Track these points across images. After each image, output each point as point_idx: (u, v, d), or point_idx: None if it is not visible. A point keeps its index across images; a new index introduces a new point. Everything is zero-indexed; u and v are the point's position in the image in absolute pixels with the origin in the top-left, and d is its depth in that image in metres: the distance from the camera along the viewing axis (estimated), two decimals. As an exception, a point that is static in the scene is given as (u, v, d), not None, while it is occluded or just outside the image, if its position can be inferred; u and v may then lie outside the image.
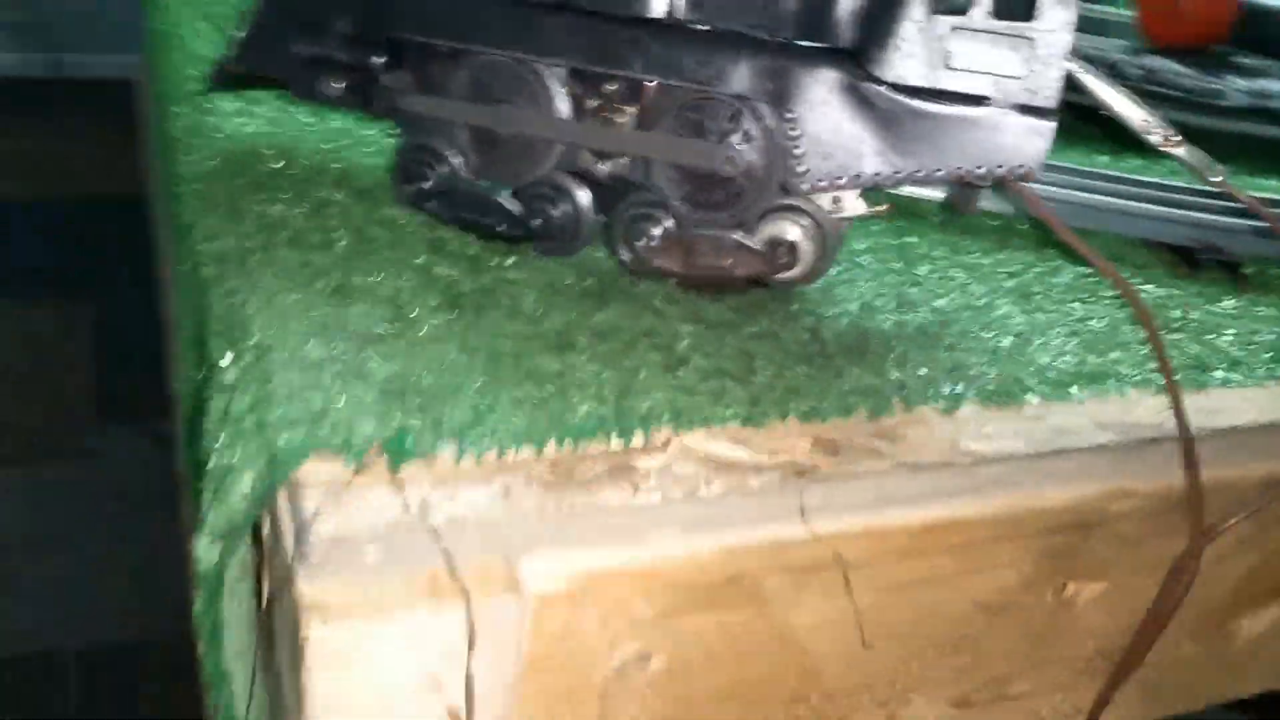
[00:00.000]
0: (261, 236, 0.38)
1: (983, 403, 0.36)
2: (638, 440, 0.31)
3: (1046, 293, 0.44)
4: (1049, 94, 0.32)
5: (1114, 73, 0.65)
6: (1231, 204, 0.49)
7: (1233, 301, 0.46)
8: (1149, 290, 0.46)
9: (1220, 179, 0.38)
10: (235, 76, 0.42)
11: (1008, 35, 0.32)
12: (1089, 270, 0.47)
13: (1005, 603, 0.36)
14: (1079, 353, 0.40)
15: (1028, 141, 0.33)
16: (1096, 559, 0.37)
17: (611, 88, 0.36)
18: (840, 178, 0.34)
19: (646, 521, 0.29)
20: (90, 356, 2.08)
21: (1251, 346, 0.43)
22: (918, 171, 0.33)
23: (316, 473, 0.27)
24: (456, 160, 0.39)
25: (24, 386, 1.98)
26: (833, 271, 0.42)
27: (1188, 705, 0.42)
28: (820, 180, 0.34)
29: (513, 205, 0.38)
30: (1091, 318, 0.43)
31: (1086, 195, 0.47)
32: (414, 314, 0.35)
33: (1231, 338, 0.43)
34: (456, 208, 0.39)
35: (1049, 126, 0.32)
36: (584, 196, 0.38)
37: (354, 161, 0.45)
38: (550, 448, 0.30)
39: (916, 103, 0.33)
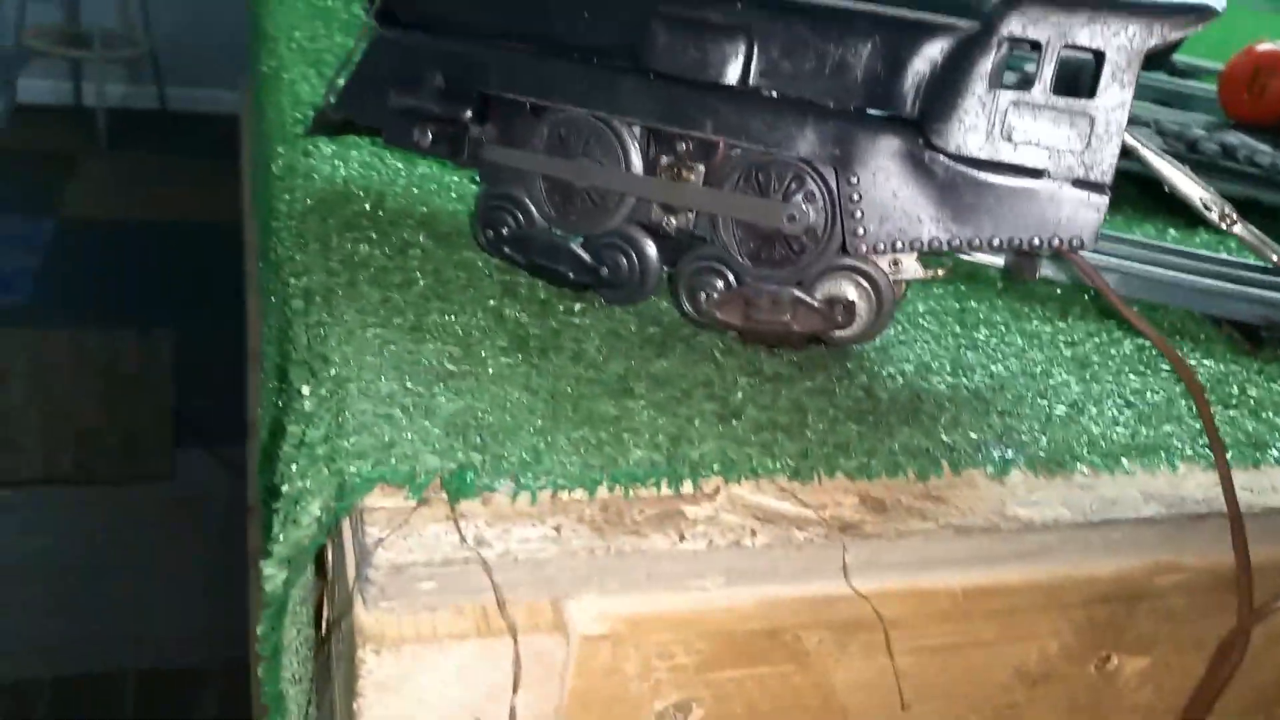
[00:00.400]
0: (347, 274, 0.40)
1: (1032, 469, 0.36)
2: (687, 487, 0.32)
3: (1104, 363, 0.45)
4: (1104, 170, 0.33)
5: (1192, 149, 0.65)
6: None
7: (1298, 381, 0.46)
8: (1208, 366, 0.46)
9: (1278, 258, 0.38)
10: (334, 123, 0.45)
11: (1067, 111, 0.33)
12: (1149, 343, 0.47)
13: (1047, 672, 0.36)
14: (1132, 424, 0.40)
15: (1082, 214, 0.33)
16: (1141, 633, 0.37)
17: (683, 146, 0.38)
18: (897, 241, 0.35)
19: (690, 569, 0.30)
20: (171, 381, 2.15)
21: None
22: (974, 239, 0.34)
23: (381, 504, 0.29)
24: (533, 209, 0.41)
25: (106, 407, 2.05)
26: (891, 331, 0.43)
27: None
28: (879, 243, 0.35)
29: (584, 254, 0.40)
30: (1147, 390, 0.43)
31: (1152, 269, 0.47)
32: (483, 353, 0.36)
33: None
34: (531, 254, 0.41)
35: (1103, 201, 0.33)
36: (651, 248, 0.40)
37: (438, 206, 0.47)
38: (602, 490, 0.31)
39: (975, 172, 0.34)
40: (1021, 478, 0.36)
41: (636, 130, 0.38)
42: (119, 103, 3.16)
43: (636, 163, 0.39)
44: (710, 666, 0.32)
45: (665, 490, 0.32)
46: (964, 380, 0.41)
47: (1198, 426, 0.41)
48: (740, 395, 0.37)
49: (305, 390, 0.34)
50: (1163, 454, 0.39)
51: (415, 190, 0.48)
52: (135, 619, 1.62)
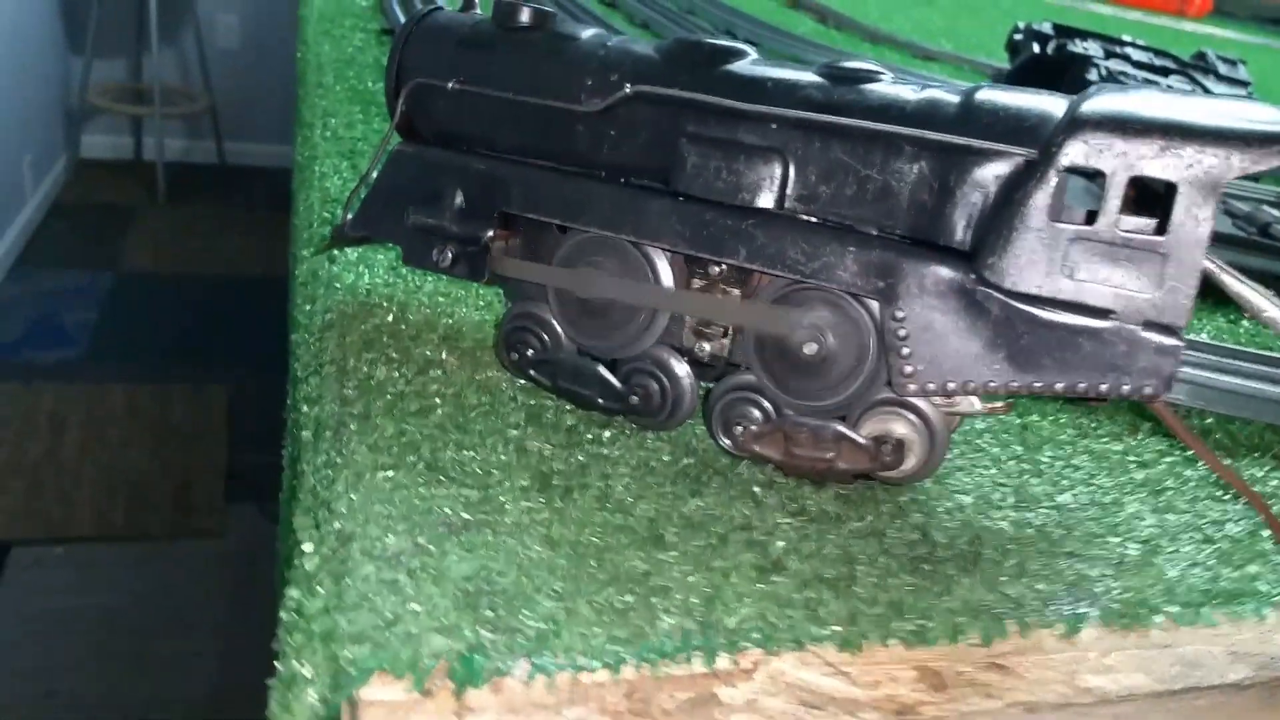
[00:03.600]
0: (362, 403, 0.38)
1: (1105, 624, 0.33)
2: (723, 662, 0.29)
3: (1179, 488, 0.41)
4: (1179, 312, 0.30)
5: (1265, 233, 0.61)
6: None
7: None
8: (1271, 483, 0.42)
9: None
10: (350, 239, 0.43)
11: (1136, 249, 0.30)
12: (1228, 461, 0.43)
13: None
14: (1212, 565, 0.36)
15: (1155, 360, 0.30)
16: (1233, 809, 0.33)
17: (717, 270, 0.36)
18: (949, 384, 0.32)
19: (725, 765, 0.27)
20: (224, 435, 2.16)
21: None
22: (1034, 383, 0.31)
23: (380, 695, 0.26)
24: (559, 330, 0.38)
25: (160, 462, 2.06)
26: (949, 453, 0.40)
27: None
28: (928, 384, 0.32)
29: (612, 379, 0.38)
30: (1227, 520, 0.39)
31: (1233, 379, 0.44)
32: (501, 497, 0.34)
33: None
34: (557, 377, 0.38)
35: (1179, 345, 0.30)
36: (684, 373, 0.37)
37: (462, 317, 0.45)
38: (628, 669, 0.28)
39: (1034, 311, 0.31)
40: (1093, 635, 0.33)
41: (667, 253, 0.36)
42: (178, 157, 3.22)
43: (667, 282, 0.36)
44: None
45: (698, 666, 0.29)
46: (1029, 515, 0.38)
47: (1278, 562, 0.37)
48: (782, 543, 0.34)
49: (308, 547, 0.31)
50: (1249, 601, 0.35)
51: (441, 299, 0.46)
52: (189, 674, 1.61)
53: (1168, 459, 0.43)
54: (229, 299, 2.65)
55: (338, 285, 0.46)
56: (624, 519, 0.34)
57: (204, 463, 2.10)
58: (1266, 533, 0.39)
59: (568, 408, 0.39)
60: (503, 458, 0.36)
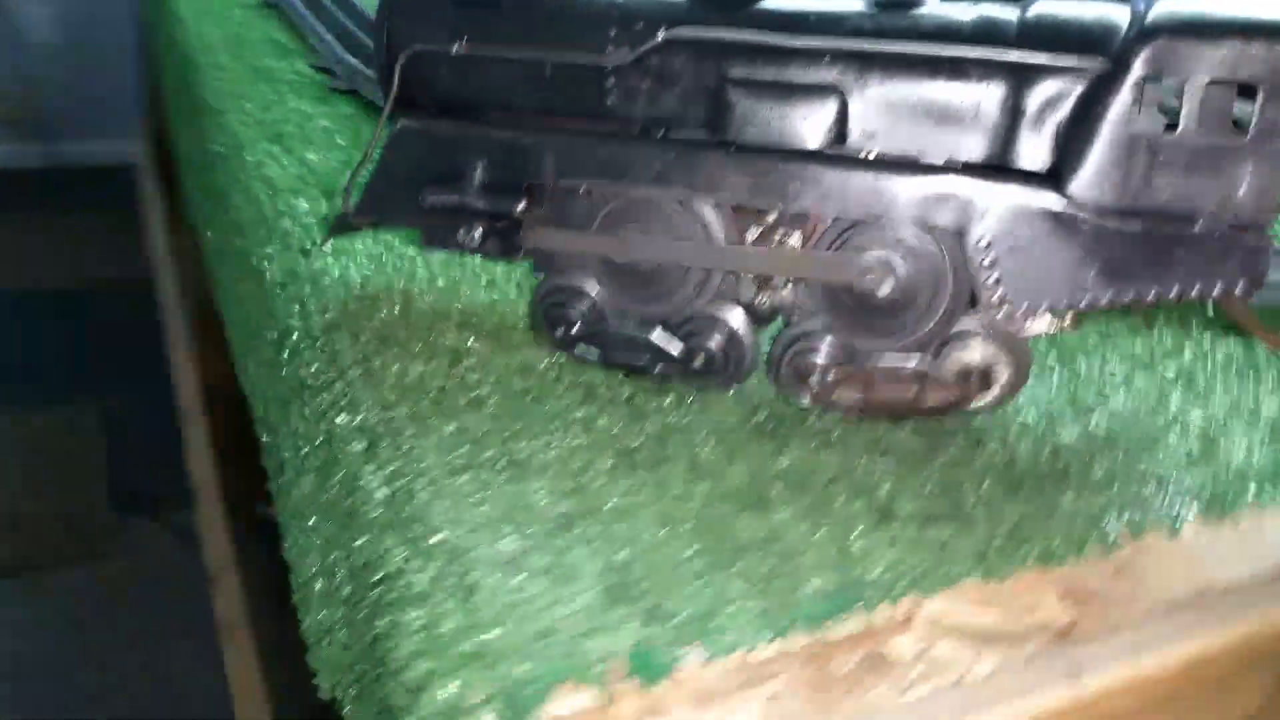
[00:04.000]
0: (406, 405, 0.35)
1: (1201, 518, 0.33)
2: (879, 616, 0.28)
3: (1211, 375, 0.42)
4: (1266, 208, 0.30)
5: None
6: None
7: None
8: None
9: None
10: (356, 227, 0.39)
11: (1218, 151, 0.30)
12: (1241, 341, 0.45)
13: (1249, 728, 0.34)
14: (1268, 444, 0.37)
15: (1246, 260, 0.30)
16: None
17: (772, 218, 0.34)
18: (1043, 304, 0.32)
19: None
20: (103, 452, 2.03)
21: None
22: (1128, 295, 0.31)
23: (562, 709, 0.25)
24: (601, 300, 0.36)
25: (40, 489, 1.93)
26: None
27: None
28: (1023, 306, 0.32)
29: (668, 344, 0.36)
30: (1262, 400, 0.40)
31: None
32: (595, 483, 0.32)
33: None
34: (607, 349, 0.36)
35: (1266, 241, 0.30)
36: (744, 327, 0.36)
37: (473, 299, 0.42)
38: (796, 635, 0.27)
39: (1122, 224, 0.31)
40: (1193, 530, 0.33)
41: (719, 206, 0.34)
42: (3, 163, 2.98)
43: (719, 238, 0.35)
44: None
45: (856, 624, 0.28)
46: (1091, 423, 0.38)
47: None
48: (885, 487, 0.33)
49: (412, 564, 0.29)
50: (1314, 474, 0.36)
51: (441, 283, 0.43)
52: (105, 704, 1.53)
53: (1189, 349, 0.44)
54: (84, 311, 2.48)
55: (327, 281, 0.42)
56: (721, 485, 0.33)
57: (87, 483, 1.97)
58: (1300, 406, 0.40)
59: (619, 378, 0.37)
60: (576, 441, 0.34)
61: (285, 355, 0.42)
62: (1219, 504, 0.34)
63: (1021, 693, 0.28)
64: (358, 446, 0.34)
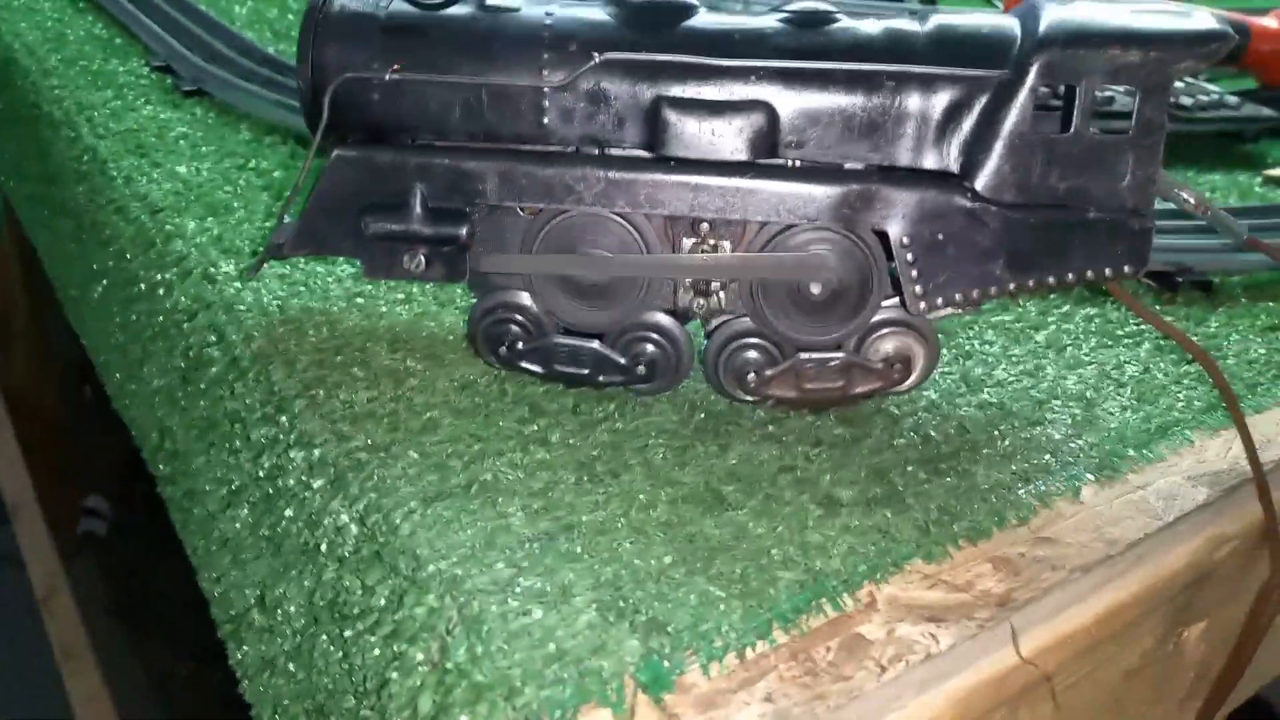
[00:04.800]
0: (362, 435, 0.35)
1: (1095, 480, 0.38)
2: (847, 602, 0.31)
3: (1074, 340, 0.47)
4: (1147, 197, 0.34)
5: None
6: (1197, 223, 0.53)
7: (1216, 322, 0.50)
8: (1146, 326, 0.49)
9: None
10: (286, 259, 0.39)
11: (1106, 147, 0.33)
12: (1089, 301, 0.49)
13: (1142, 665, 0.38)
14: (1138, 407, 0.42)
15: (1134, 242, 0.34)
16: (1202, 603, 0.40)
17: (705, 226, 0.36)
18: (958, 295, 0.35)
19: (894, 693, 0.29)
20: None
21: (1257, 366, 0.46)
22: (1032, 281, 0.35)
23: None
24: (542, 315, 0.37)
25: None
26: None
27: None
28: (939, 298, 0.35)
29: (611, 353, 0.37)
30: (1125, 363, 0.45)
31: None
32: (565, 498, 0.33)
33: (1234, 363, 0.46)
34: (550, 363, 0.37)
35: (1149, 226, 0.34)
36: (682, 334, 0.38)
37: (396, 317, 0.42)
38: (776, 633, 0.29)
39: (1026, 215, 0.34)
40: (1091, 491, 0.37)
41: (652, 218, 0.36)
42: None
43: (657, 247, 0.36)
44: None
45: (830, 612, 0.31)
46: (986, 396, 0.42)
47: (1178, 391, 0.43)
48: (826, 478, 0.36)
49: (408, 599, 0.30)
50: (1176, 430, 0.41)
51: (360, 300, 0.43)
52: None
53: (1052, 318, 0.48)
54: None
55: (242, 307, 0.42)
56: (679, 490, 0.34)
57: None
58: (1153, 364, 0.45)
59: (559, 389, 0.39)
60: (537, 456, 0.35)
61: (202, 386, 0.41)
62: (1108, 466, 0.38)
63: (973, 660, 0.31)
64: (319, 482, 0.34)
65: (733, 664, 0.29)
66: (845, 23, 0.35)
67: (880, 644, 0.30)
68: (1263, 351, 0.48)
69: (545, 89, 0.34)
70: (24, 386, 1.71)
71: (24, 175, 0.70)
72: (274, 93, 0.60)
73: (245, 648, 0.40)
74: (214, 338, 0.41)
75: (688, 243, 0.36)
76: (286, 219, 0.38)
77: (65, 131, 0.58)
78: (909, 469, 0.37)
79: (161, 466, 0.48)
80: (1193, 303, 0.51)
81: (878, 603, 0.31)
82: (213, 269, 0.44)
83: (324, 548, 0.33)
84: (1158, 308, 0.50)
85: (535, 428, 0.36)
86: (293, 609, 0.36)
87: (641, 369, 0.37)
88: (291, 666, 0.37)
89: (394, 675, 0.29)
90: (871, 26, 0.35)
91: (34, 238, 0.71)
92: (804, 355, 0.37)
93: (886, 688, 0.29)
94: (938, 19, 0.35)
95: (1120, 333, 0.48)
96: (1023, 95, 0.33)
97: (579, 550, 0.31)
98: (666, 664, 0.28)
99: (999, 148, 0.34)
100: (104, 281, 0.53)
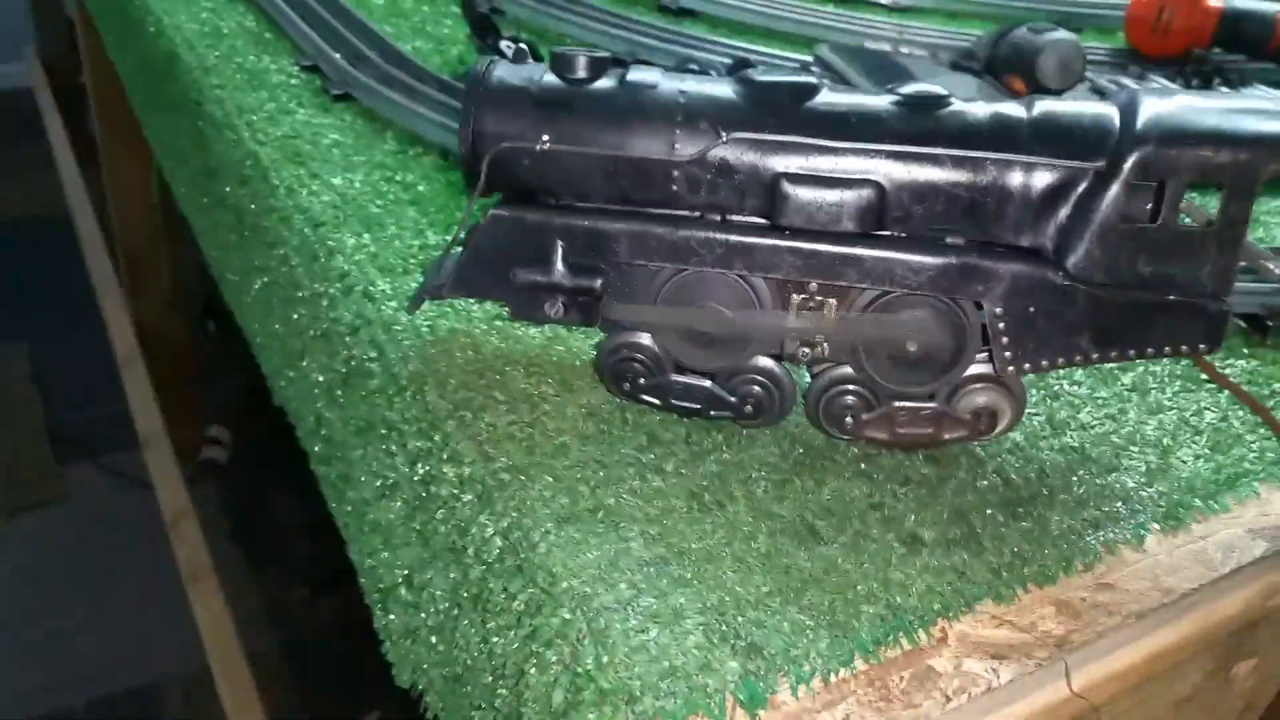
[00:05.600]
0: (503, 455, 0.40)
1: (1160, 529, 0.41)
2: (922, 636, 0.35)
3: (1159, 385, 0.50)
4: (1226, 284, 0.37)
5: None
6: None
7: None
8: (1235, 365, 0.51)
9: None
10: (440, 299, 0.44)
11: (1190, 237, 0.36)
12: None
13: (1192, 695, 0.42)
14: (1209, 455, 0.45)
15: (1209, 324, 0.37)
16: (1254, 642, 0.43)
17: (814, 285, 0.40)
18: (1044, 362, 0.38)
19: (959, 722, 0.34)
20: (36, 396, 2.02)
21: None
22: (1114, 354, 0.38)
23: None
24: (661, 354, 0.42)
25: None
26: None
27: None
28: (1025, 364, 0.39)
29: (723, 392, 0.42)
30: (1203, 408, 0.48)
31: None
32: (676, 524, 0.38)
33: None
34: (668, 397, 0.42)
35: (1224, 309, 0.37)
36: (786, 379, 0.42)
37: (530, 342, 0.47)
38: (857, 661, 0.34)
39: (1111, 295, 0.37)
40: (1154, 540, 0.41)
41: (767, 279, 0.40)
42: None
43: (769, 302, 0.40)
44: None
45: (906, 644, 0.35)
46: (1068, 439, 0.45)
47: (1251, 441, 0.46)
48: (911, 517, 0.40)
49: (545, 608, 0.35)
50: (1244, 481, 0.44)
51: (498, 323, 0.48)
52: (71, 654, 1.56)
53: (1139, 361, 0.51)
54: (-3, 249, 2.41)
55: (398, 327, 0.47)
56: (778, 521, 0.39)
57: (24, 428, 1.96)
58: (1230, 411, 0.48)
59: (673, 418, 0.43)
60: (654, 484, 0.40)
61: (362, 393, 0.47)
62: (1174, 516, 0.42)
63: (1028, 693, 0.35)
64: (468, 496, 0.40)
65: (818, 687, 0.33)
66: (956, 106, 0.38)
67: (948, 676, 0.34)
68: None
69: (675, 161, 0.39)
70: (156, 324, 1.83)
71: (183, 161, 0.77)
72: (417, 104, 0.65)
73: (391, 616, 0.46)
74: (374, 353, 0.46)
75: (796, 298, 0.40)
76: (446, 262, 0.43)
77: (227, 134, 0.65)
78: (988, 512, 0.41)
79: (316, 448, 0.54)
80: (1282, 346, 0.54)
81: (949, 638, 0.36)
82: (371, 287, 0.49)
83: (471, 551, 0.39)
84: (1245, 351, 0.53)
85: (652, 455, 0.41)
86: (438, 593, 0.42)
87: (749, 408, 0.42)
88: (434, 639, 0.42)
89: (531, 670, 0.35)
90: (980, 110, 0.38)
91: (190, 217, 0.78)
92: (898, 403, 0.41)
93: (950, 716, 0.33)
94: (1042, 106, 0.38)
95: (1204, 377, 0.50)
96: (1116, 188, 0.36)
97: (689, 576, 0.36)
98: (761, 685, 0.33)
99: (1091, 234, 0.37)
100: (264, 279, 0.59)
